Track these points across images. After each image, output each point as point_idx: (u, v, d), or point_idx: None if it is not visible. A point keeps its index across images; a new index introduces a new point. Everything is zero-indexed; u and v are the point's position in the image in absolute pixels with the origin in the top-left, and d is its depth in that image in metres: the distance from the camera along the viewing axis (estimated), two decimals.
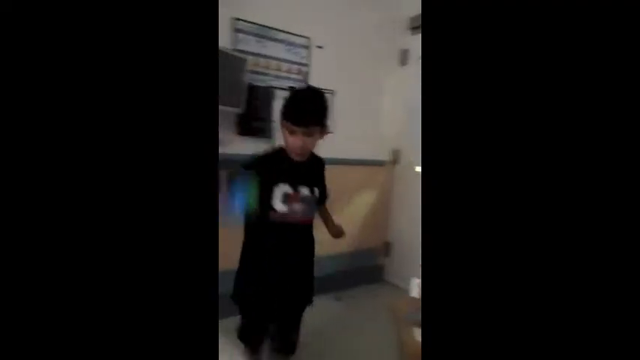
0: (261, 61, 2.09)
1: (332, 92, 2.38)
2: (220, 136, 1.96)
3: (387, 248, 2.73)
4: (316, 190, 1.21)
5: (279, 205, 1.11)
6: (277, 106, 2.14)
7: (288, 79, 2.20)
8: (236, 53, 1.90)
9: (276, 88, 2.15)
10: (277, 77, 2.16)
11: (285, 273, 1.20)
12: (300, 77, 2.25)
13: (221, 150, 2.18)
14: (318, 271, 2.15)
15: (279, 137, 2.15)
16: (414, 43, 2.56)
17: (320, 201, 1.28)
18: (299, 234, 1.20)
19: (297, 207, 1.14)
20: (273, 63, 2.14)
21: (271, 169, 1.13)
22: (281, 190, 1.12)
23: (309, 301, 1.29)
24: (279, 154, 1.16)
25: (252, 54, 2.03)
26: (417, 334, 0.91)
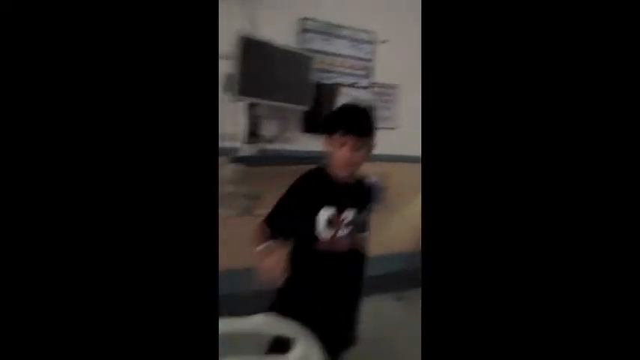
0: (327, 58, 2.12)
1: (396, 87, 2.34)
2: (287, 133, 2.04)
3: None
4: (365, 212, 1.07)
5: (323, 233, 1.00)
6: (341, 102, 2.17)
7: (353, 75, 2.21)
8: (302, 52, 1.95)
9: (340, 85, 2.16)
10: (342, 74, 2.17)
11: (327, 311, 1.04)
12: (364, 73, 2.24)
13: (288, 147, 2.26)
14: (379, 270, 2.15)
15: None
16: None
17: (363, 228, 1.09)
18: (348, 264, 1.05)
19: (342, 233, 1.02)
20: (338, 60, 2.15)
21: (312, 191, 1.02)
22: (324, 214, 1.00)
23: (350, 343, 1.12)
24: (320, 173, 1.05)
25: (318, 52, 2.07)
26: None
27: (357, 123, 1.01)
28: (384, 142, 2.33)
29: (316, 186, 1.04)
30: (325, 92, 2.10)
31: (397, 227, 2.27)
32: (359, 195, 1.07)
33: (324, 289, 1.04)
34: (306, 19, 2.02)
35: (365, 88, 2.25)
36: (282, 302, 1.04)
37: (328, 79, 2.13)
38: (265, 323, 0.77)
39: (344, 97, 2.18)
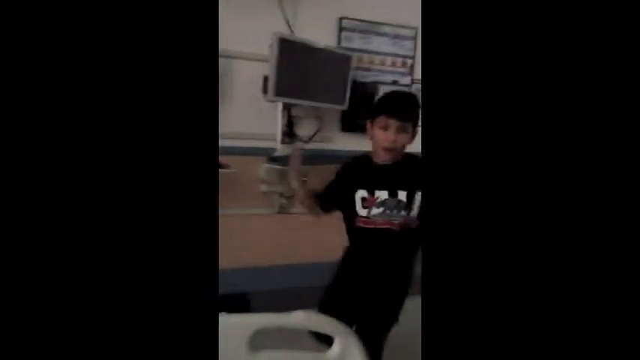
0: (365, 56, 2.08)
1: None
2: (325, 133, 2.03)
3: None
4: (401, 194, 1.09)
5: (360, 211, 1.10)
6: None
7: (393, 72, 2.15)
8: (340, 51, 1.93)
9: (379, 83, 2.11)
10: (381, 72, 2.13)
11: (365, 284, 1.16)
12: (404, 70, 2.17)
13: (326, 146, 2.26)
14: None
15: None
16: None
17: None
18: (384, 241, 1.11)
19: (376, 211, 1.09)
20: (377, 58, 2.11)
21: (350, 174, 1.15)
22: (360, 195, 1.10)
23: (394, 319, 1.18)
24: (362, 159, 1.15)
25: (357, 50, 2.04)
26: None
27: (400, 107, 1.05)
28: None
29: (355, 170, 1.16)
30: (364, 91, 2.06)
31: None
32: (400, 175, 1.10)
33: (363, 266, 1.16)
34: (344, 18, 2.00)
35: (406, 85, 2.18)
36: (336, 280, 1.22)
37: (367, 78, 2.09)
38: (305, 319, 0.77)
39: None
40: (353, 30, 2.03)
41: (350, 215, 1.13)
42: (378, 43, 2.09)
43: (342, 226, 1.21)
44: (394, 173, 1.10)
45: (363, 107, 2.07)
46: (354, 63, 1.96)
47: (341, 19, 2.00)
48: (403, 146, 1.06)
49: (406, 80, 2.18)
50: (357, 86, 2.01)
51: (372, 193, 1.10)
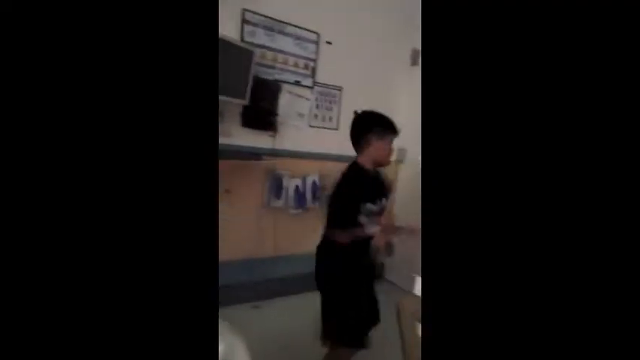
0: (269, 53, 2.07)
1: (339, 89, 2.36)
2: (225, 127, 1.95)
3: (389, 247, 2.71)
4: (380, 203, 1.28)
5: (364, 220, 1.22)
6: (283, 100, 2.13)
7: (296, 73, 2.18)
8: (243, 44, 1.88)
9: (282, 81, 2.13)
10: (284, 71, 2.14)
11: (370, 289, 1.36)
12: (307, 72, 2.23)
13: (225, 141, 2.16)
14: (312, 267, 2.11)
15: (284, 131, 2.15)
16: None
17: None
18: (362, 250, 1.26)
19: (379, 220, 1.26)
20: (281, 56, 2.12)
21: (355, 186, 1.23)
22: (368, 209, 1.22)
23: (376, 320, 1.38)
24: (356, 169, 1.27)
25: (260, 46, 2.01)
26: (419, 329, 0.93)
27: (391, 122, 1.27)
28: (325, 142, 2.35)
29: (360, 184, 1.26)
30: (266, 88, 2.05)
31: None
32: (384, 181, 1.33)
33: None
34: (248, 10, 1.95)
35: (309, 87, 2.24)
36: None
37: (270, 75, 2.08)
38: None
39: (286, 95, 2.15)
40: (257, 25, 2.00)
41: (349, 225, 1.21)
42: (282, 42, 2.10)
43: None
44: (382, 179, 1.33)
45: (264, 104, 2.05)
46: (257, 58, 1.93)
47: (244, 11, 1.94)
48: (382, 158, 1.28)
49: (308, 82, 2.24)
50: (259, 82, 1.99)
51: (377, 203, 1.27)
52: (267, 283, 2.19)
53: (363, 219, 1.23)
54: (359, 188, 1.24)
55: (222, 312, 1.66)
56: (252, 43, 1.96)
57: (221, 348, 0.76)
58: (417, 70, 2.58)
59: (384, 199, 1.31)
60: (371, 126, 1.27)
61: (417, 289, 1.09)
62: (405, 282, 2.42)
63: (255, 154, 2.03)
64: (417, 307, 0.95)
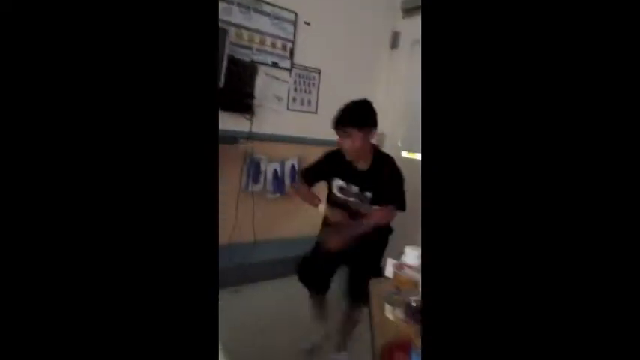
0: (245, 33, 1.99)
1: (318, 71, 2.32)
2: None
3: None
4: (367, 193, 1.43)
5: (338, 193, 1.49)
6: (260, 82, 2.07)
7: (273, 54, 2.12)
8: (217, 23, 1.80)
9: (259, 63, 2.06)
10: (260, 52, 2.07)
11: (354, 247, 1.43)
12: (284, 53, 2.17)
13: None
14: (299, 250, 2.12)
15: (261, 114, 2.11)
16: (407, 27, 2.51)
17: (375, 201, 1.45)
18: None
19: (352, 200, 1.46)
20: (257, 36, 2.04)
21: (330, 161, 1.51)
22: (337, 184, 1.49)
23: (380, 254, 1.53)
24: (339, 154, 1.47)
25: (235, 25, 1.94)
26: (388, 310, 0.95)
27: (341, 117, 1.38)
28: (304, 125, 2.32)
29: (333, 159, 1.51)
30: (242, 69, 1.98)
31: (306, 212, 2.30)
32: (369, 175, 1.44)
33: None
34: None
35: (286, 69, 2.19)
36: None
37: (245, 56, 2.01)
38: None
39: (263, 77, 2.09)
40: (231, 2, 1.91)
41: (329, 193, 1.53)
42: (259, 21, 2.03)
43: None
44: (367, 172, 1.44)
45: (240, 86, 1.99)
46: (231, 38, 1.85)
47: None
48: (352, 146, 1.38)
49: (286, 64, 2.18)
50: (235, 63, 1.92)
51: (347, 184, 1.47)
52: (247, 268, 2.18)
53: (339, 195, 1.49)
54: (330, 160, 1.51)
55: None
56: (226, 22, 1.88)
57: None
58: (397, 53, 2.56)
59: (356, 187, 1.46)
60: (352, 119, 1.37)
61: (389, 272, 1.10)
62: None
63: (231, 138, 1.98)
64: (386, 289, 0.99)
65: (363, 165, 1.46)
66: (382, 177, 1.43)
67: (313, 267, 1.53)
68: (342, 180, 1.48)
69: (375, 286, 1.10)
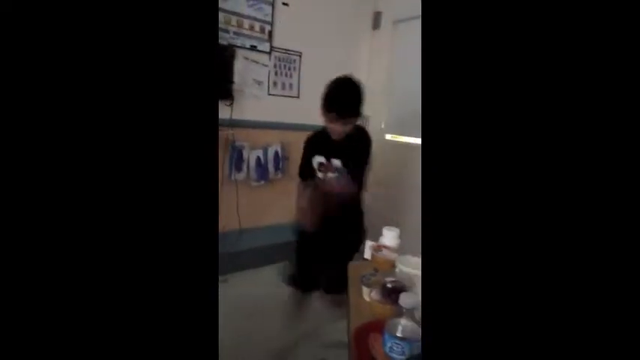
0: (221, 15, 1.93)
1: (298, 54, 2.27)
2: None
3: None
4: (350, 163, 1.37)
5: (319, 174, 1.42)
6: (239, 66, 2.02)
7: (251, 37, 2.06)
8: None
9: (237, 47, 2.01)
10: (238, 35, 2.01)
11: (328, 226, 1.40)
12: (263, 36, 2.11)
13: None
14: (284, 237, 2.11)
15: (241, 100, 2.06)
16: (388, 6, 2.45)
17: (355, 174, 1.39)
18: (339, 199, 1.39)
19: (331, 175, 1.40)
20: (234, 19, 1.98)
21: (311, 144, 1.47)
22: (317, 160, 1.42)
23: (355, 249, 1.47)
24: (322, 133, 1.43)
25: None
26: (365, 292, 0.94)
27: (347, 106, 1.29)
28: (286, 110, 2.28)
29: (315, 141, 1.48)
30: (220, 54, 1.92)
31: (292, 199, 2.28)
32: (349, 147, 1.38)
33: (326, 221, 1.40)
34: None
35: (266, 52, 2.13)
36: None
37: (224, 40, 1.95)
38: None
39: (242, 61, 2.04)
40: None
41: (313, 179, 1.44)
42: (235, 3, 1.96)
43: None
44: (347, 145, 1.37)
45: (219, 71, 1.94)
46: None
47: None
48: (349, 129, 1.33)
49: (265, 47, 2.13)
50: None
51: (327, 160, 1.41)
52: (233, 257, 2.17)
53: (318, 173, 1.44)
54: (312, 142, 1.49)
55: None
56: None
57: None
58: (379, 34, 2.52)
59: (337, 161, 1.41)
60: (351, 109, 1.31)
61: (367, 254, 1.10)
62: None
63: None
64: (363, 272, 0.99)
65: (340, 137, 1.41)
66: (354, 147, 1.38)
67: (301, 267, 1.52)
68: (322, 155, 1.43)
69: (353, 269, 1.10)
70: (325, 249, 1.45)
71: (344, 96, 1.29)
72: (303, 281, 1.54)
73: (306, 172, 1.48)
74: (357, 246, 1.48)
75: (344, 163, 1.39)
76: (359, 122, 1.40)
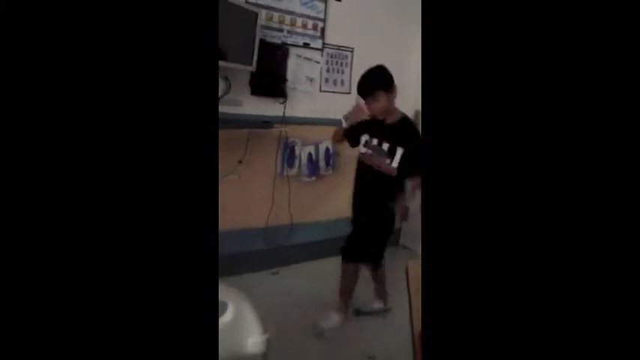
0: (275, 15, 1.97)
1: (350, 50, 2.25)
2: (234, 96, 1.91)
3: (404, 212, 2.69)
4: (386, 145, 1.56)
5: (361, 148, 1.66)
6: (292, 64, 2.05)
7: (304, 35, 2.08)
8: (247, 6, 1.79)
9: (290, 45, 2.04)
10: (292, 33, 2.04)
11: (366, 201, 1.66)
12: (316, 33, 2.12)
13: (235, 111, 2.12)
14: (334, 233, 2.13)
15: (294, 97, 2.10)
16: None
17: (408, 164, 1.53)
18: (375, 175, 1.59)
19: (370, 152, 1.61)
20: (288, 18, 2.01)
21: (363, 124, 1.65)
22: (363, 138, 1.64)
23: (389, 230, 1.70)
24: (373, 119, 1.61)
25: (265, 7, 1.91)
26: None
27: (362, 85, 1.54)
28: (337, 106, 2.28)
29: (366, 122, 1.65)
30: (274, 52, 1.97)
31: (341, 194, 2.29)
32: (392, 131, 1.57)
33: (361, 186, 1.70)
34: None
35: (318, 49, 2.14)
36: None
37: (277, 39, 1.99)
38: None
39: (295, 59, 2.06)
40: None
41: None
42: (288, 2, 1.99)
43: None
44: (390, 129, 1.56)
45: (273, 69, 1.98)
46: (262, 20, 1.84)
47: None
48: (381, 110, 1.53)
49: (318, 44, 2.14)
50: (266, 46, 1.91)
51: (371, 139, 1.61)
52: (284, 250, 2.23)
53: (362, 149, 1.66)
54: (363, 123, 1.64)
55: (243, 279, 1.80)
56: (256, 4, 1.86)
57: (229, 314, 0.78)
58: None
59: (383, 142, 1.58)
60: (377, 83, 1.51)
61: None
62: (419, 246, 2.42)
63: (266, 123, 1.99)
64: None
65: (390, 120, 1.58)
66: (408, 136, 1.54)
67: (348, 240, 1.69)
68: (370, 135, 1.63)
69: (413, 268, 1.08)
70: (363, 224, 1.67)
71: (362, 77, 1.55)
72: (349, 253, 1.69)
73: (353, 139, 1.70)
74: (388, 227, 1.69)
75: (387, 146, 1.56)
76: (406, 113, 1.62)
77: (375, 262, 1.72)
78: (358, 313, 1.83)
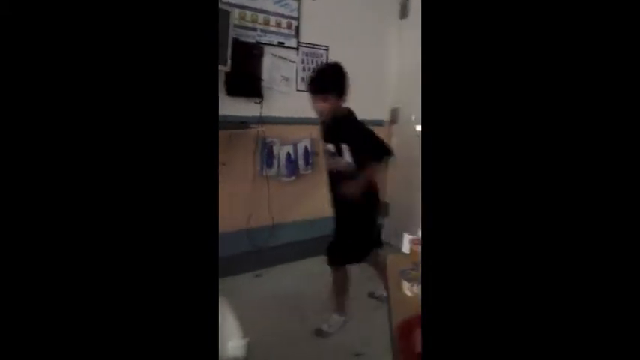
0: (248, 14, 1.95)
1: (326, 49, 2.25)
2: None
3: (384, 209, 2.71)
4: (342, 146, 1.48)
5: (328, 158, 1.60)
6: (267, 63, 2.03)
7: (278, 34, 2.07)
8: (219, 5, 1.76)
9: (265, 44, 2.02)
10: (265, 32, 2.02)
11: (339, 203, 1.61)
12: (290, 32, 2.11)
13: None
14: (316, 232, 2.12)
15: (270, 97, 2.08)
16: None
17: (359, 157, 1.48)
18: (339, 176, 1.54)
19: (327, 159, 1.58)
20: (261, 17, 1.99)
21: (323, 133, 1.61)
22: (326, 147, 1.58)
23: (369, 227, 1.69)
24: (323, 122, 1.57)
25: (238, 6, 1.89)
26: (405, 287, 0.95)
27: (311, 84, 1.47)
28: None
29: (322, 130, 1.64)
30: (248, 51, 1.94)
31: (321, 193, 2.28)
32: (337, 130, 1.53)
33: (332, 189, 1.63)
34: None
35: (293, 48, 2.13)
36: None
37: (251, 38, 1.97)
38: None
39: (270, 58, 2.05)
40: None
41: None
42: (262, 1, 1.97)
43: None
44: (334, 128, 1.53)
45: (248, 69, 1.96)
46: (234, 19, 1.81)
47: None
48: (328, 110, 1.46)
49: (292, 43, 2.13)
50: (240, 46, 1.88)
51: (326, 144, 1.57)
52: (266, 252, 2.20)
53: (326, 156, 1.61)
54: (322, 132, 1.62)
55: (226, 282, 1.77)
56: (228, 3, 1.84)
57: None
58: (407, 23, 2.45)
59: (328, 144, 1.56)
60: (330, 85, 1.44)
61: (406, 248, 1.09)
62: (399, 241, 2.45)
63: (243, 123, 1.96)
64: (402, 266, 0.98)
65: (333, 119, 1.53)
66: (348, 131, 1.50)
67: (344, 243, 1.64)
68: (323, 139, 1.62)
69: (391, 262, 1.09)
70: (344, 222, 1.65)
71: (316, 73, 1.50)
72: (334, 257, 1.66)
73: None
74: (367, 224, 1.68)
75: (337, 145, 1.51)
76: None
77: (361, 259, 1.70)
78: (372, 295, 1.91)
